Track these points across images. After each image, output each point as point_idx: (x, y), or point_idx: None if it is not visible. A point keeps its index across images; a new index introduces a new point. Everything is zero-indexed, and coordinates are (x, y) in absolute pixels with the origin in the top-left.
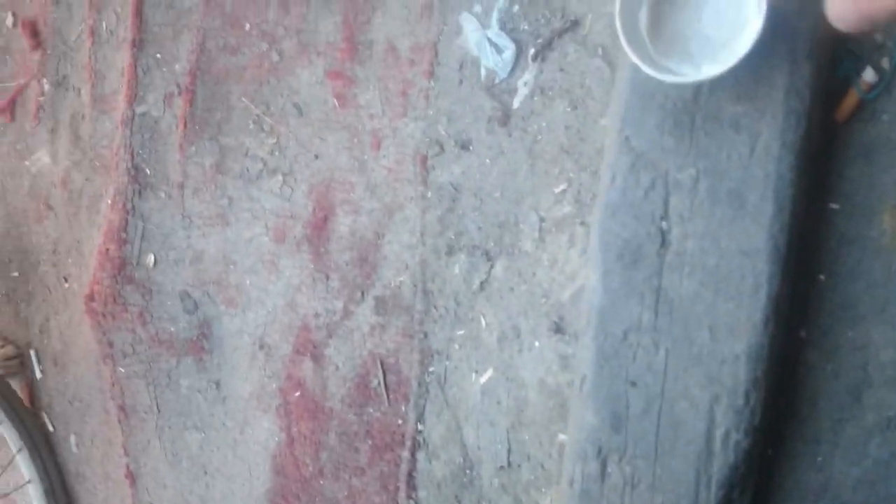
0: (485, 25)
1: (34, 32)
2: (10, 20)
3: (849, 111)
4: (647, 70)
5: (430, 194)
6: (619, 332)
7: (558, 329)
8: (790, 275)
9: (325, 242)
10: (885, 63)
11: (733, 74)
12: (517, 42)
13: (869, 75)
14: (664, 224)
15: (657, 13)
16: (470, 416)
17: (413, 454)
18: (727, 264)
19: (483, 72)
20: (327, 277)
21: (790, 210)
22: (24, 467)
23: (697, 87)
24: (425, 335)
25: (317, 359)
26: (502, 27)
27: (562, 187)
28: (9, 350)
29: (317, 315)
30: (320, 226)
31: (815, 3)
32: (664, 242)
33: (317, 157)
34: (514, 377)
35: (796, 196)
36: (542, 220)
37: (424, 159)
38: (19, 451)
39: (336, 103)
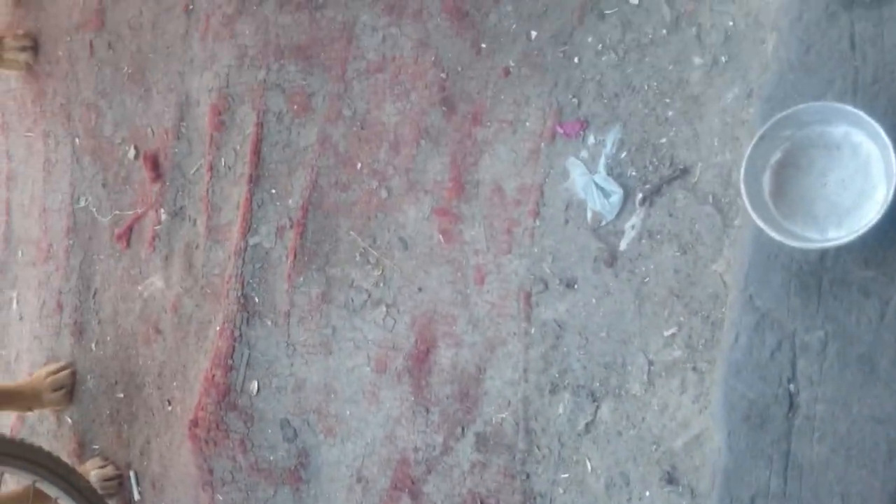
0: (592, 170)
1: (155, 165)
2: (132, 153)
3: None
4: (773, 234)
5: (533, 331)
6: (746, 496)
7: (671, 479)
8: None
9: (427, 375)
10: None
11: (861, 240)
12: (625, 187)
13: None
14: (792, 387)
15: (781, 176)
16: None
17: None
18: (859, 431)
19: (589, 214)
20: (427, 411)
21: None
22: None
23: (823, 251)
24: (527, 476)
25: (415, 495)
26: (609, 172)
27: (672, 331)
28: (108, 471)
29: (416, 449)
30: (422, 358)
31: None
32: (792, 405)
33: (420, 289)
34: None
35: None
36: (650, 363)
37: (528, 296)
38: None
39: (441, 239)
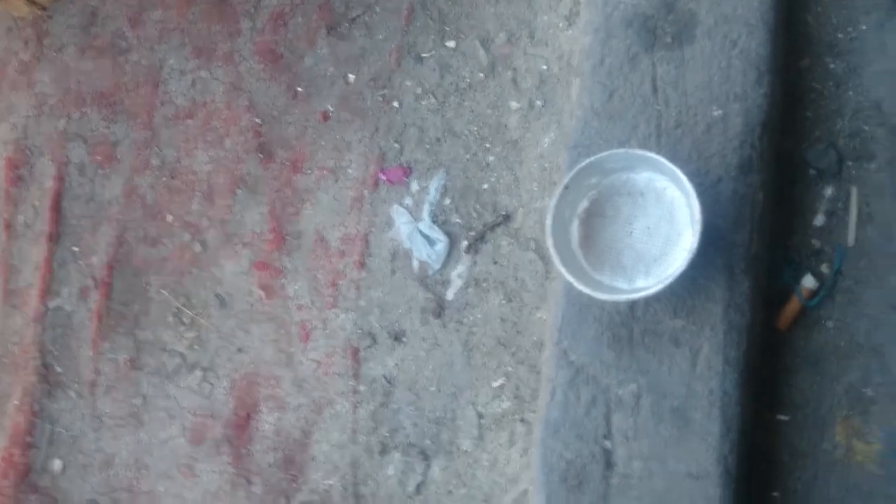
0: (417, 218)
1: None
2: None
3: (791, 319)
4: (580, 287)
5: (362, 388)
6: None
7: None
8: (742, 497)
9: (248, 443)
10: (825, 268)
11: (669, 288)
12: (449, 234)
13: (809, 282)
14: (608, 443)
15: (589, 225)
16: None
17: None
18: (677, 488)
19: (416, 263)
20: (249, 482)
21: (738, 428)
22: None
23: (634, 301)
24: None
25: None
26: (434, 220)
27: (500, 381)
28: None
29: None
30: (242, 425)
31: (748, 214)
32: (609, 464)
33: (240, 350)
34: None
35: (743, 413)
36: (480, 416)
37: (356, 352)
38: None
39: (262, 294)
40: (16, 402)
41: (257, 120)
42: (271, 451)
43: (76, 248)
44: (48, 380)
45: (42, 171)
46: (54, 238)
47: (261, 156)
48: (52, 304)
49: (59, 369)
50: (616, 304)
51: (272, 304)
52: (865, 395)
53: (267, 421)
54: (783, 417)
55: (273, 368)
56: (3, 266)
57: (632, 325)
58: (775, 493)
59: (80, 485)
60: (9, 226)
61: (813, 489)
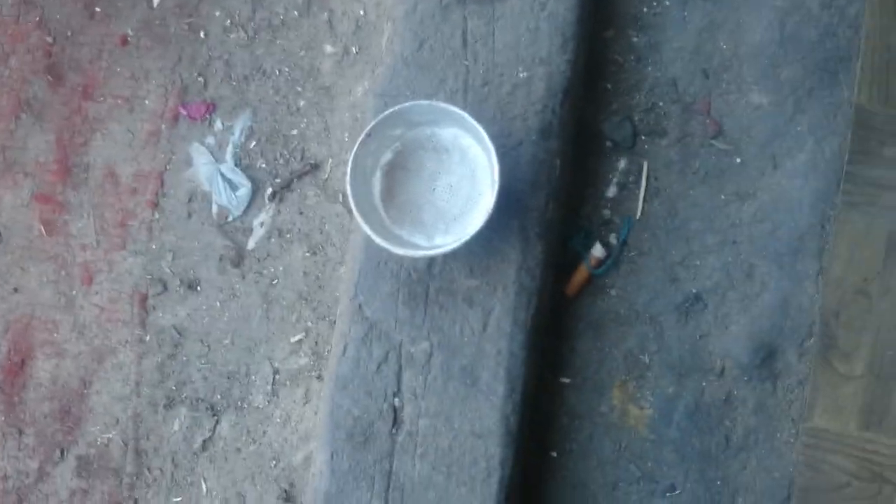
0: (218, 159)
1: None
2: None
3: (579, 285)
4: (377, 240)
5: (148, 338)
6: None
7: (288, 498)
8: (522, 456)
9: (21, 391)
10: (613, 238)
11: (467, 248)
12: (253, 180)
13: (598, 251)
14: (397, 401)
15: (391, 178)
16: None
17: None
18: (460, 446)
19: (215, 208)
20: (20, 432)
21: (521, 389)
22: None
23: (432, 259)
24: (135, 502)
25: None
26: (237, 163)
27: (298, 336)
28: None
29: (5, 477)
30: (15, 371)
31: (546, 179)
32: (396, 421)
33: (16, 290)
34: None
35: (528, 374)
36: (276, 371)
37: (144, 298)
38: None
39: (43, 230)
40: None
41: (48, 39)
42: (47, 401)
43: None
44: None
45: None
46: None
47: (50, 78)
48: None
49: None
50: (414, 260)
51: (53, 242)
52: (641, 361)
53: (43, 368)
54: (565, 380)
55: (51, 312)
56: None
57: (428, 282)
58: (553, 454)
59: None
60: None
61: (588, 450)
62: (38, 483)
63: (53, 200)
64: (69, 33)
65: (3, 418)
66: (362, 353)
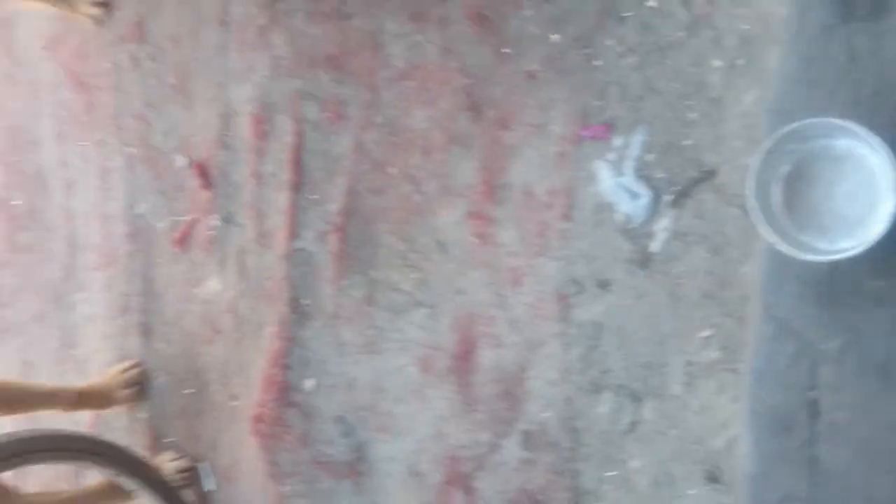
0: (619, 173)
1: (204, 173)
2: (182, 161)
3: None
4: (783, 247)
5: (571, 331)
6: (773, 500)
7: (713, 478)
8: None
9: (470, 374)
10: None
11: (870, 251)
12: (653, 189)
13: None
14: (813, 394)
15: (791, 188)
16: None
17: None
18: (881, 437)
19: (619, 217)
20: (474, 409)
21: None
22: None
23: (835, 262)
24: (575, 473)
25: (468, 490)
26: (637, 175)
27: (707, 333)
28: (182, 463)
29: (465, 447)
30: (465, 358)
31: None
32: (815, 412)
33: (459, 291)
34: None
35: None
36: (689, 364)
37: (564, 297)
38: None
39: (476, 242)
40: (272, 329)
41: (468, 81)
42: (492, 384)
43: (315, 196)
44: (297, 310)
45: (282, 127)
46: (296, 187)
47: (471, 114)
48: (296, 245)
49: (305, 302)
50: (818, 263)
51: (486, 251)
52: None
53: (486, 356)
54: None
55: (489, 309)
56: (254, 210)
57: (833, 284)
58: None
59: (329, 402)
60: (256, 175)
61: None
62: (491, 453)
63: (483, 216)
64: (484, 74)
65: (459, 398)
66: (775, 350)
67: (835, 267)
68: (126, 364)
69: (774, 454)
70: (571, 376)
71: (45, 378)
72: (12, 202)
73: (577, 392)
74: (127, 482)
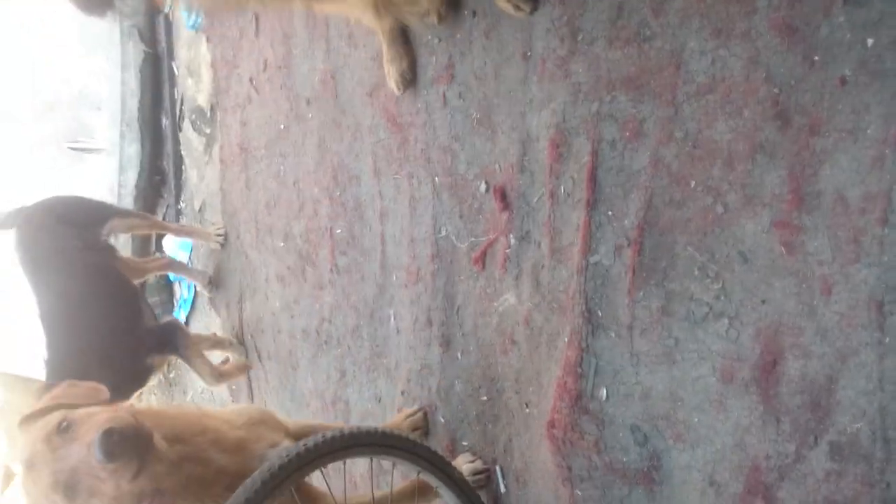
0: None
1: (503, 196)
2: (483, 187)
3: None
4: None
5: (888, 340)
6: None
7: None
8: None
9: (775, 385)
10: None
11: None
12: None
13: None
14: None
15: None
16: None
17: None
18: None
19: None
20: (777, 420)
21: None
22: None
23: None
24: (888, 485)
25: (769, 500)
26: None
27: None
28: (478, 465)
29: (768, 457)
30: (768, 369)
31: None
32: None
33: (763, 301)
34: None
35: None
36: None
37: (880, 305)
38: None
39: (783, 251)
40: (565, 339)
41: (775, 90)
42: (797, 395)
43: (610, 213)
44: (591, 322)
45: (579, 149)
46: (591, 204)
47: (778, 123)
48: (591, 259)
49: (599, 313)
50: None
51: (793, 260)
52: None
53: (792, 367)
54: None
55: (796, 319)
56: (549, 228)
57: None
58: None
59: (623, 411)
60: (553, 195)
61: None
62: (795, 463)
63: (790, 225)
64: (792, 82)
65: (761, 408)
66: None
67: None
68: (412, 409)
69: None
70: (886, 386)
71: (358, 385)
72: (336, 230)
73: (893, 402)
74: (430, 479)
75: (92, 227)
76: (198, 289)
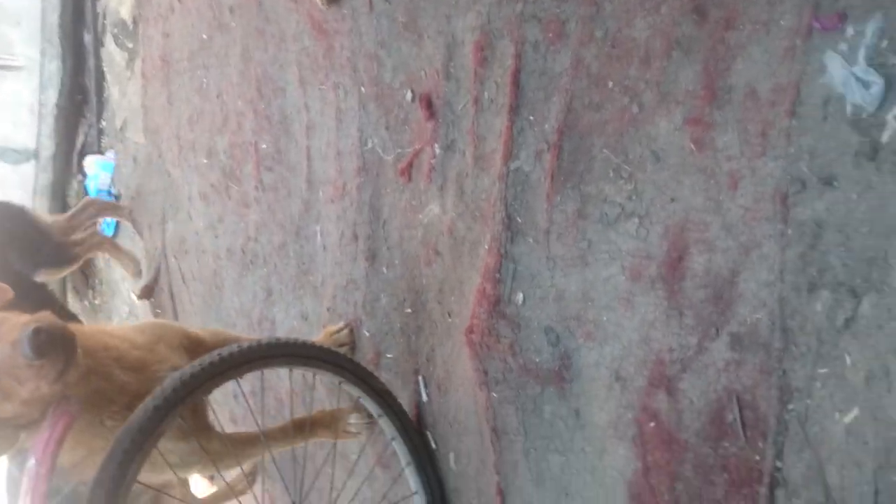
0: (850, 62)
1: (429, 105)
2: (409, 96)
3: None
4: None
5: (790, 231)
6: None
7: None
8: None
9: (680, 281)
10: None
11: None
12: (886, 77)
13: None
14: None
15: None
16: (833, 456)
17: (772, 491)
18: None
19: (849, 107)
20: (681, 314)
21: None
22: (411, 480)
23: None
24: (784, 372)
25: (671, 392)
26: (870, 63)
27: None
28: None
29: (671, 350)
30: (675, 265)
31: None
32: None
33: (673, 199)
34: (882, 417)
35: None
36: None
37: (784, 197)
38: (408, 465)
39: (693, 148)
40: (486, 247)
41: None
42: (701, 289)
43: (531, 117)
44: (510, 228)
45: (503, 52)
46: (513, 109)
47: (695, 17)
48: (512, 165)
49: (519, 219)
50: None
51: (703, 157)
52: None
53: (697, 262)
54: None
55: (703, 215)
56: (473, 136)
57: None
58: None
59: (538, 313)
60: (477, 101)
61: None
62: (697, 355)
63: (702, 122)
64: None
65: (666, 303)
66: None
67: None
68: (337, 326)
69: None
70: (787, 277)
71: (284, 303)
72: (261, 145)
73: (792, 292)
74: (353, 389)
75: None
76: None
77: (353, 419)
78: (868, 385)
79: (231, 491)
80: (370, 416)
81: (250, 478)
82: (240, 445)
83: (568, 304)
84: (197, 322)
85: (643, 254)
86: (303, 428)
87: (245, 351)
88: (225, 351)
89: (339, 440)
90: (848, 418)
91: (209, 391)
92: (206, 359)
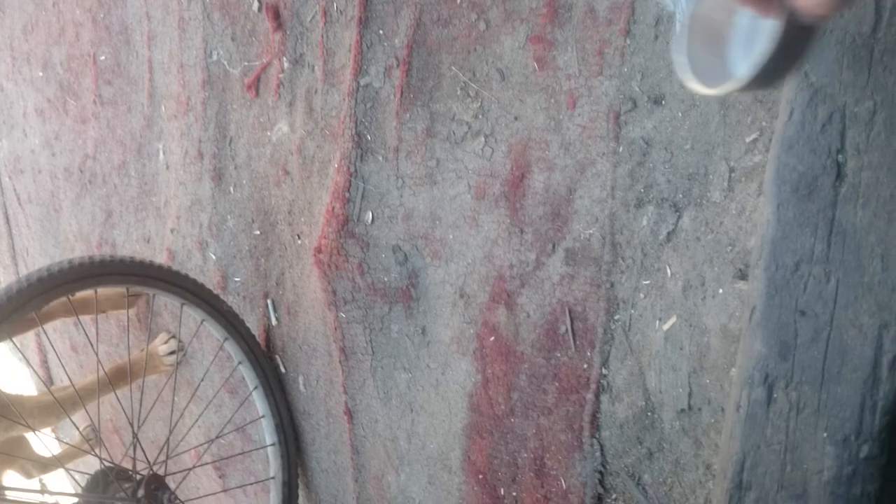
0: None
1: (276, 15)
2: (255, 5)
3: None
4: None
5: (621, 149)
6: (790, 262)
7: (742, 275)
8: None
9: (521, 198)
10: None
11: None
12: None
13: None
14: (840, 157)
15: None
16: (652, 362)
17: (597, 396)
18: None
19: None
20: (522, 231)
21: None
22: (259, 403)
23: (877, 20)
24: (612, 285)
25: (510, 307)
26: None
27: (753, 136)
28: (172, 344)
29: (511, 266)
30: (517, 183)
31: None
32: (840, 175)
33: (516, 118)
34: (697, 324)
35: None
36: (731, 169)
37: (617, 116)
38: (255, 388)
39: (536, 66)
40: (335, 165)
41: None
42: (541, 206)
43: (381, 32)
44: (360, 146)
45: None
46: (363, 22)
47: None
48: (362, 81)
49: (368, 137)
50: (859, 24)
51: (544, 76)
52: None
53: (538, 180)
54: None
55: (544, 134)
56: (322, 50)
57: (872, 45)
58: None
59: (386, 233)
60: (325, 13)
61: None
62: (535, 270)
63: (544, 40)
64: None
65: (508, 221)
66: (807, 116)
67: (876, 26)
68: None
69: (794, 218)
70: (617, 193)
71: (125, 226)
72: (100, 57)
73: (621, 208)
74: (196, 312)
75: None
76: None
77: (163, 349)
78: (685, 294)
79: (79, 449)
80: (180, 341)
81: (93, 439)
82: (50, 411)
83: (416, 223)
84: (34, 247)
85: (488, 172)
86: (123, 375)
87: (76, 267)
88: (55, 266)
89: (164, 374)
90: (667, 326)
91: (38, 307)
92: (34, 274)
